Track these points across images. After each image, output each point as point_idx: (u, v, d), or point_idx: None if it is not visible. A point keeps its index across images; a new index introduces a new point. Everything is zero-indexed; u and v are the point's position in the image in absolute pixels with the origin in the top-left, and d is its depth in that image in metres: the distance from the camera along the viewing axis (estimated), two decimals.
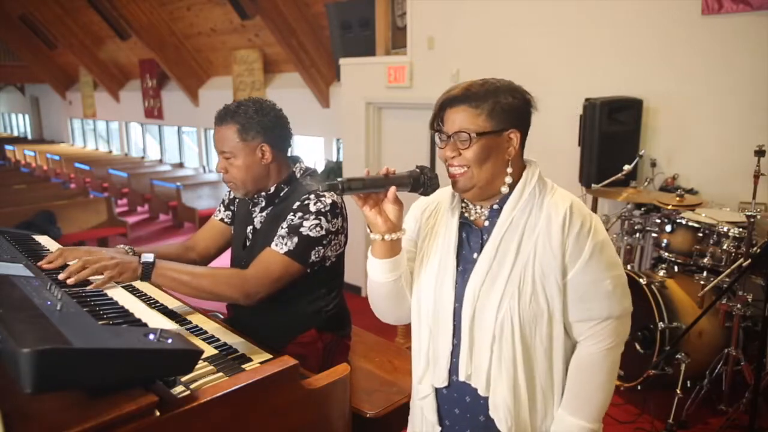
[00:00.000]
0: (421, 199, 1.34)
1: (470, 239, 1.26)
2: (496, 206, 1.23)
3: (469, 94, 1.18)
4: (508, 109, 1.18)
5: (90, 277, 1.47)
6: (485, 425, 1.24)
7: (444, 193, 1.31)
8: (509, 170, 1.21)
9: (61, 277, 1.42)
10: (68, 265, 1.50)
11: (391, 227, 1.21)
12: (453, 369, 1.25)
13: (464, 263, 1.25)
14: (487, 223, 1.24)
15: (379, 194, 1.21)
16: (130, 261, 1.50)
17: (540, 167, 1.26)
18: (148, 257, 1.53)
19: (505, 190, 1.21)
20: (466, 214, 1.28)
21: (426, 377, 1.30)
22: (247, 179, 1.73)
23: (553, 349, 1.21)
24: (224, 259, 1.97)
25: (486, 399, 1.22)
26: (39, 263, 1.56)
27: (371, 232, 1.24)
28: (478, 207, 1.27)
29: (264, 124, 1.70)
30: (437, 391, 1.30)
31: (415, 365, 1.33)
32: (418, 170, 1.23)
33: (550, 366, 1.21)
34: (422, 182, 1.22)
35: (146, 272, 1.51)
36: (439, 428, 1.30)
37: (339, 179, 1.15)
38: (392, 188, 1.19)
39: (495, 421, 1.22)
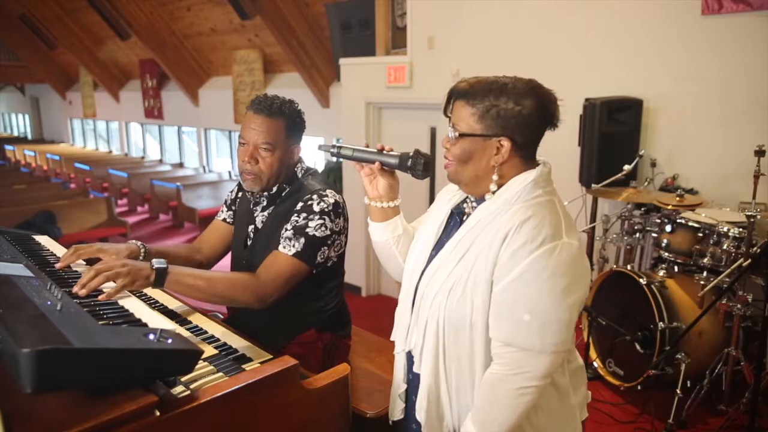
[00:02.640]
0: (449, 184, 1.38)
1: (452, 228, 1.31)
2: (475, 204, 1.27)
3: (471, 91, 1.18)
4: (504, 115, 1.15)
5: (101, 286, 1.44)
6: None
7: None
8: (495, 177, 1.19)
9: (74, 290, 1.39)
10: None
11: (377, 196, 1.40)
12: (408, 339, 1.33)
13: (437, 248, 1.30)
14: (466, 218, 1.28)
15: (372, 165, 1.37)
16: (142, 268, 1.45)
17: (546, 173, 1.21)
18: (160, 263, 1.47)
19: (489, 196, 1.22)
20: (464, 205, 1.32)
21: (396, 336, 1.39)
22: (273, 174, 1.73)
23: (475, 356, 1.20)
24: (224, 259, 1.98)
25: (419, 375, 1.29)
26: (56, 265, 1.62)
27: (366, 196, 1.42)
28: (473, 202, 1.29)
29: (302, 127, 1.78)
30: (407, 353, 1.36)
31: (395, 324, 1.41)
32: (409, 154, 1.34)
33: (471, 371, 1.21)
34: (409, 165, 1.33)
35: (159, 279, 1.47)
36: (405, 386, 1.39)
37: (334, 143, 1.40)
38: (376, 163, 1.36)
39: (417, 397, 1.29)
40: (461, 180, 1.24)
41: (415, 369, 1.31)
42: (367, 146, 1.39)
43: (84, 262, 1.70)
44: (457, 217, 1.31)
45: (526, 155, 1.21)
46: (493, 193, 1.20)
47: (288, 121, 1.72)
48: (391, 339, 1.41)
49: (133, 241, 1.76)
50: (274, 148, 1.69)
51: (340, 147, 1.40)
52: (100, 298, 1.39)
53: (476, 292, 1.17)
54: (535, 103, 1.16)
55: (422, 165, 1.32)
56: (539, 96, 1.17)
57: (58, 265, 1.61)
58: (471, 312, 1.18)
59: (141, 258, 1.71)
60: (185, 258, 1.87)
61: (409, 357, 1.35)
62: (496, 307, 1.15)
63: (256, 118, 1.70)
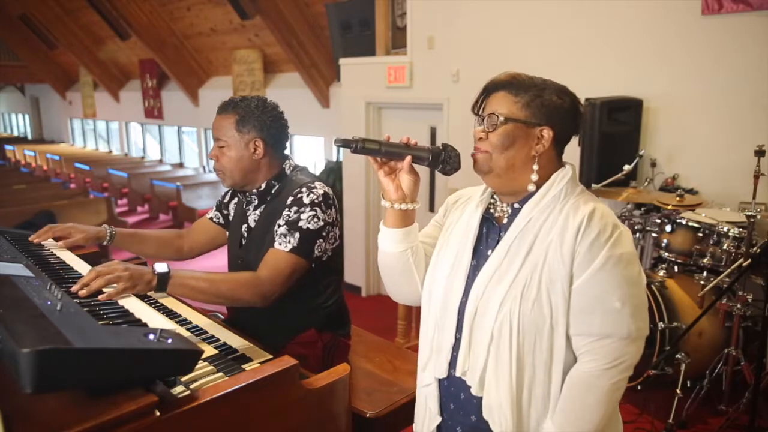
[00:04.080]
0: (458, 191, 1.35)
1: (489, 235, 1.24)
2: (517, 205, 1.21)
3: (514, 82, 1.18)
4: (549, 105, 1.16)
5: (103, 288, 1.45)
6: (475, 426, 1.21)
7: (477, 188, 1.31)
8: (535, 167, 1.17)
9: (74, 288, 1.40)
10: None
11: (401, 196, 1.23)
12: (452, 363, 1.23)
13: (479, 258, 1.23)
14: (506, 221, 1.22)
15: (397, 162, 1.22)
16: (144, 272, 1.45)
17: (575, 171, 1.22)
18: (162, 267, 1.47)
19: (531, 188, 1.18)
20: (492, 210, 1.26)
21: (429, 366, 1.28)
22: (236, 170, 1.76)
23: (554, 360, 1.14)
24: (218, 261, 1.99)
25: (479, 399, 1.19)
26: (30, 238, 1.83)
27: (383, 198, 1.25)
28: (504, 204, 1.25)
29: (262, 120, 1.75)
30: (440, 382, 1.27)
31: (420, 352, 1.32)
32: (440, 147, 1.22)
33: (548, 377, 1.15)
34: (442, 159, 1.21)
35: (162, 284, 1.46)
36: (440, 418, 1.28)
37: (354, 136, 1.17)
38: (408, 158, 1.20)
39: (489, 422, 1.18)
40: (493, 168, 1.18)
41: (474, 392, 1.19)
42: (389, 139, 1.24)
43: (85, 262, 1.71)
44: (492, 223, 1.24)
45: (560, 150, 1.22)
46: (535, 184, 1.18)
47: (240, 115, 1.74)
48: (422, 372, 1.29)
49: (104, 225, 1.93)
50: (225, 144, 1.76)
51: (364, 140, 1.18)
52: (100, 297, 1.39)
53: (554, 290, 1.12)
54: (572, 101, 1.19)
55: (456, 158, 1.22)
56: (574, 97, 1.20)
57: (32, 238, 1.82)
58: (551, 312, 1.12)
59: (108, 241, 1.90)
60: (161, 241, 1.99)
61: (454, 384, 1.24)
62: (582, 301, 1.12)
63: (215, 117, 1.80)
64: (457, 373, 1.21)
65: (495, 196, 1.27)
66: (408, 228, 1.26)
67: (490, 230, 1.24)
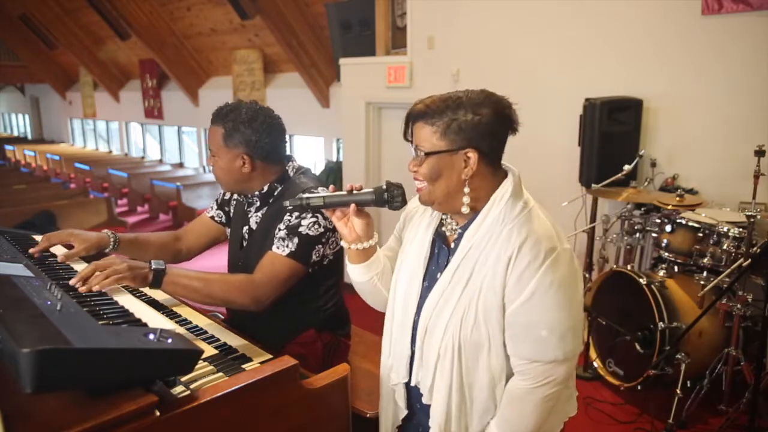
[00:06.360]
0: (414, 198, 1.37)
1: (439, 256, 1.30)
2: (460, 230, 1.25)
3: (428, 111, 1.19)
4: (465, 127, 1.15)
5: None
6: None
7: None
8: (466, 190, 1.19)
9: (72, 282, 1.41)
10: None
11: (356, 238, 1.33)
12: (410, 371, 1.33)
13: (430, 279, 1.30)
14: (453, 245, 1.27)
15: (346, 208, 1.31)
16: (141, 268, 1.48)
17: (518, 182, 1.22)
18: (158, 264, 1.50)
19: (465, 210, 1.20)
20: (443, 228, 1.31)
21: (393, 370, 1.37)
22: (228, 180, 1.76)
23: (494, 376, 1.22)
24: (219, 261, 1.98)
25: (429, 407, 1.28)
26: (31, 250, 1.74)
27: (341, 240, 1.36)
28: (453, 223, 1.29)
29: (247, 137, 1.69)
30: (406, 384, 1.36)
31: (383, 352, 1.40)
32: (383, 187, 1.29)
33: (492, 393, 1.23)
34: (386, 199, 1.29)
35: (157, 279, 1.49)
36: (406, 411, 1.37)
37: (300, 196, 1.32)
38: (352, 206, 1.30)
39: (431, 429, 1.27)
40: (434, 200, 1.22)
41: (425, 401, 1.30)
42: (335, 190, 1.34)
43: (85, 262, 1.71)
44: (441, 244, 1.30)
45: (493, 164, 1.22)
46: (468, 206, 1.20)
47: (225, 130, 1.69)
48: (388, 374, 1.38)
49: (106, 231, 1.83)
50: (216, 154, 1.73)
51: (308, 198, 1.31)
52: (94, 288, 1.41)
53: (490, 318, 1.19)
54: (491, 110, 1.16)
55: (400, 196, 1.29)
56: (494, 103, 1.17)
57: (32, 250, 1.74)
58: (488, 336, 1.20)
59: (111, 247, 1.81)
60: (161, 245, 1.93)
61: (413, 389, 1.35)
62: (512, 328, 1.18)
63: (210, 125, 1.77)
64: (412, 383, 1.32)
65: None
66: (369, 261, 1.37)
67: (440, 251, 1.31)
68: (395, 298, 1.35)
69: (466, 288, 1.20)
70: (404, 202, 1.30)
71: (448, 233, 1.30)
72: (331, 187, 1.35)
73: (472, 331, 1.20)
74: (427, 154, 1.18)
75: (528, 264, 1.14)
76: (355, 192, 1.31)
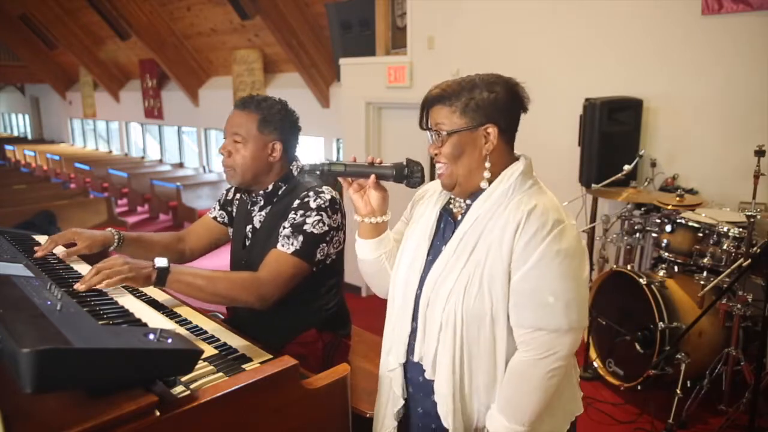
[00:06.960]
0: (423, 186, 1.40)
1: (445, 230, 1.31)
2: (469, 201, 1.28)
3: (444, 94, 1.23)
4: (482, 104, 1.20)
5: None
6: (434, 405, 1.29)
7: (438, 183, 1.36)
8: (487, 165, 1.23)
9: (76, 287, 1.41)
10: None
11: (370, 211, 1.35)
12: (410, 349, 1.32)
13: (434, 253, 1.30)
14: (460, 217, 1.28)
15: (364, 180, 1.33)
16: (144, 266, 1.47)
17: (529, 164, 1.26)
18: (161, 262, 1.49)
19: (484, 185, 1.24)
20: (450, 206, 1.33)
21: (392, 352, 1.36)
22: (248, 169, 1.75)
23: (497, 349, 1.22)
24: (221, 260, 1.98)
25: (433, 382, 1.28)
26: (36, 255, 1.71)
27: (355, 213, 1.36)
28: (460, 200, 1.31)
29: (285, 124, 1.76)
30: (404, 367, 1.35)
31: (384, 339, 1.40)
32: (403, 163, 1.31)
33: (493, 364, 1.23)
34: (405, 174, 1.31)
35: (161, 278, 1.48)
36: (402, 401, 1.36)
37: (322, 161, 1.32)
38: (372, 176, 1.32)
39: (437, 404, 1.27)
40: (456, 180, 1.25)
41: (427, 376, 1.29)
42: (355, 160, 1.36)
43: (85, 262, 1.71)
44: (448, 218, 1.32)
45: (510, 141, 1.27)
46: (488, 181, 1.23)
47: (261, 115, 1.73)
48: (387, 357, 1.37)
49: (110, 229, 1.83)
50: (244, 141, 1.73)
51: (330, 164, 1.32)
52: (98, 285, 1.41)
53: (495, 286, 1.19)
54: (504, 89, 1.22)
55: (419, 173, 1.31)
56: (506, 82, 1.23)
57: (37, 255, 1.73)
58: (491, 305, 1.20)
59: (115, 246, 1.81)
60: (164, 246, 1.92)
61: (412, 368, 1.34)
62: (517, 296, 1.19)
63: (234, 112, 1.76)
64: (415, 359, 1.31)
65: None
66: (380, 237, 1.38)
67: (446, 226, 1.32)
68: (396, 277, 1.35)
69: (470, 257, 1.21)
70: (422, 180, 1.33)
71: (455, 209, 1.32)
72: (353, 156, 1.38)
73: (475, 300, 1.20)
74: (449, 134, 1.22)
75: (536, 231, 1.16)
76: (376, 164, 1.33)
